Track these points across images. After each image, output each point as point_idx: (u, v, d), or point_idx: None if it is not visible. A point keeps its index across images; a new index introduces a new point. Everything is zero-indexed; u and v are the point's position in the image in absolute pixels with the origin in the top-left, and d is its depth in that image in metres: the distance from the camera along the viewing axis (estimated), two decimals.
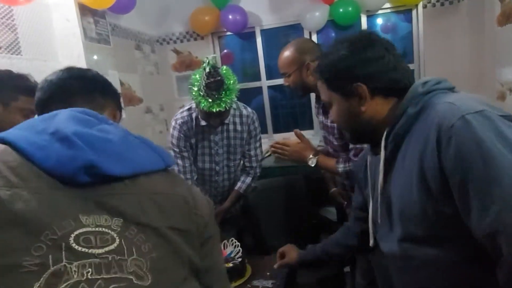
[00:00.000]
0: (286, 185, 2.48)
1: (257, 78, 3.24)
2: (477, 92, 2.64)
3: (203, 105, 1.63)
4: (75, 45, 2.10)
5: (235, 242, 1.60)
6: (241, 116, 1.93)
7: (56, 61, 2.09)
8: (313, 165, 1.49)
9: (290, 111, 3.38)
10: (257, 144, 2.03)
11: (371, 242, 0.96)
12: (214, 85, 1.61)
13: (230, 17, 2.90)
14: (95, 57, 2.19)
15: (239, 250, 1.56)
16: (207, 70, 1.60)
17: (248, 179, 2.03)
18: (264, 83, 3.22)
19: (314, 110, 1.77)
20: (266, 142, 3.15)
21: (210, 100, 1.62)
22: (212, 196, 2.04)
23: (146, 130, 2.94)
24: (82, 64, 2.11)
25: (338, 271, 2.22)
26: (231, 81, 1.68)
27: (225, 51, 3.29)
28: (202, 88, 1.62)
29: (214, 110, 1.63)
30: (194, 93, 1.66)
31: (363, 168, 1.00)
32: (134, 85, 2.78)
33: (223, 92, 1.63)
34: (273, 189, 2.45)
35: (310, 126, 3.23)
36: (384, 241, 0.89)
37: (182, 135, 1.87)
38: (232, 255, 1.54)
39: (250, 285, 1.45)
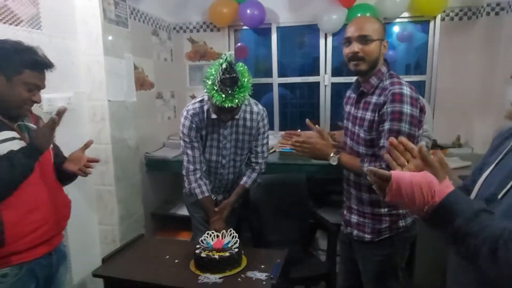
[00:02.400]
0: (288, 183, 2.52)
1: (269, 74, 3.26)
2: (485, 110, 2.68)
3: (216, 99, 1.67)
4: (94, 25, 2.13)
5: (233, 233, 1.64)
6: (251, 112, 1.96)
7: (74, 39, 2.12)
8: (334, 163, 1.47)
9: (298, 110, 3.41)
10: (265, 141, 2.07)
11: None
12: (229, 81, 1.64)
13: (248, 11, 2.92)
14: (112, 38, 2.22)
15: (237, 241, 1.61)
16: (224, 66, 1.64)
17: (254, 175, 2.07)
18: (276, 80, 3.25)
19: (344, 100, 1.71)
20: (272, 138, 3.18)
21: (223, 95, 1.66)
22: (216, 188, 2.08)
23: (155, 115, 2.98)
24: (99, 44, 2.14)
25: (329, 270, 2.25)
26: (246, 79, 1.71)
27: (239, 44, 3.31)
28: (216, 83, 1.65)
29: (226, 106, 1.67)
30: (208, 87, 1.69)
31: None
32: (147, 70, 2.81)
33: (237, 89, 1.67)
34: (275, 185, 2.49)
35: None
36: None
37: (193, 126, 1.91)
38: (230, 245, 1.59)
39: (244, 275, 1.49)
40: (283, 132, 1.51)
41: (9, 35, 1.35)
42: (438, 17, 2.83)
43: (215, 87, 1.66)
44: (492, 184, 0.84)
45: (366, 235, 1.56)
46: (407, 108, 1.36)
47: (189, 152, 1.94)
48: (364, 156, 1.48)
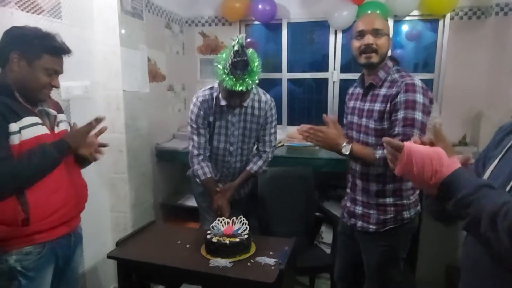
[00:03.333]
0: (295, 176, 2.57)
1: (278, 69, 3.30)
2: (492, 109, 2.70)
3: (226, 83, 1.72)
4: (111, 16, 2.19)
5: (243, 220, 1.69)
6: (259, 101, 2.01)
7: (91, 29, 2.18)
8: (347, 153, 1.49)
9: (306, 105, 3.45)
10: (272, 130, 2.11)
11: None
12: (241, 64, 1.69)
13: (260, 6, 2.96)
14: (128, 29, 2.27)
15: (246, 227, 1.66)
16: (236, 48, 1.68)
17: (260, 162, 2.11)
18: (285, 75, 3.29)
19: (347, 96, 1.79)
20: (280, 133, 3.22)
21: (234, 79, 1.71)
22: (224, 176, 2.14)
23: (166, 107, 3.03)
24: (115, 35, 2.20)
25: (333, 261, 2.30)
26: (255, 64, 1.76)
27: (248, 40, 3.36)
28: (227, 66, 1.70)
29: (236, 89, 1.72)
30: (219, 71, 1.74)
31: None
32: (160, 62, 2.87)
33: (247, 73, 1.72)
34: (282, 178, 2.54)
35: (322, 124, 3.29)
36: None
37: (201, 112, 1.96)
38: (239, 231, 1.64)
39: (254, 260, 1.54)
40: (298, 127, 1.54)
41: (31, 24, 1.39)
42: (448, 16, 2.85)
43: (226, 71, 1.71)
44: (498, 177, 0.88)
45: (371, 226, 1.60)
46: (420, 98, 1.42)
47: (195, 138, 2.01)
48: (375, 145, 1.52)
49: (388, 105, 1.47)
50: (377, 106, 1.51)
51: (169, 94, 3.07)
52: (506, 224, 0.72)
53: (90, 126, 1.41)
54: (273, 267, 1.48)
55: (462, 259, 0.98)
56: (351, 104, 1.70)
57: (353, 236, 1.71)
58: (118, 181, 2.36)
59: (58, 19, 1.93)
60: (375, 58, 1.50)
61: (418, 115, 1.42)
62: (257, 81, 1.80)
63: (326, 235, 2.76)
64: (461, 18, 2.83)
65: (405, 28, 3.08)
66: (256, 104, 2.01)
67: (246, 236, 1.61)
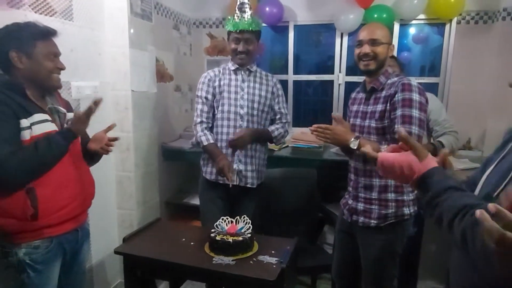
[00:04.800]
0: (299, 176, 2.60)
1: (284, 71, 3.33)
2: (497, 114, 2.70)
3: (234, 25, 2.00)
4: (121, 18, 2.24)
5: (247, 219, 1.73)
6: (266, 75, 2.21)
7: (102, 31, 2.23)
8: (355, 147, 1.54)
9: (311, 107, 3.47)
10: (284, 104, 2.24)
11: None
12: (245, 6, 2.03)
13: (267, 9, 2.99)
14: (137, 31, 2.32)
15: (250, 227, 1.70)
16: None
17: (279, 125, 2.20)
18: (291, 77, 3.32)
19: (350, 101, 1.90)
20: None
21: (237, 20, 2.01)
22: (237, 152, 2.11)
23: (173, 107, 3.08)
24: (124, 36, 2.25)
25: None
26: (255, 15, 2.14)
27: None
28: (234, 15, 2.03)
29: (244, 28, 1.99)
30: (227, 25, 2.04)
31: None
32: (168, 63, 2.92)
33: (250, 17, 2.02)
34: (286, 178, 2.57)
35: (329, 124, 3.31)
36: None
37: (207, 80, 2.13)
38: (243, 230, 1.68)
39: (256, 259, 1.57)
40: (311, 127, 1.61)
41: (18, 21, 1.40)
42: (454, 20, 2.86)
43: (233, 17, 2.03)
44: (491, 182, 0.93)
45: (372, 221, 1.67)
46: (416, 96, 1.53)
47: (199, 106, 2.13)
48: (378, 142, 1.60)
49: (388, 105, 1.58)
50: (379, 107, 1.62)
51: (176, 94, 3.12)
52: (461, 228, 0.76)
53: (90, 110, 1.43)
54: (274, 266, 1.51)
55: (452, 256, 1.03)
56: (354, 108, 1.79)
57: (352, 233, 1.78)
58: (125, 179, 2.41)
59: (69, 20, 1.98)
60: (372, 65, 1.62)
61: (415, 112, 1.51)
62: (260, 28, 2.07)
63: (329, 236, 2.79)
64: (468, 22, 2.83)
65: (411, 31, 3.09)
66: (264, 76, 2.19)
67: (249, 235, 1.65)
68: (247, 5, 2.04)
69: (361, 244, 1.75)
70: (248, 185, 2.14)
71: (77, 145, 1.58)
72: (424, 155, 0.93)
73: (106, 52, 2.26)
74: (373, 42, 1.60)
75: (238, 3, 2.04)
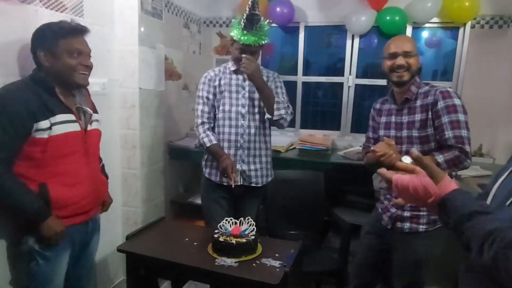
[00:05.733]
0: (305, 179, 2.57)
1: (293, 72, 3.31)
2: (509, 122, 2.63)
3: (242, 38, 1.92)
4: (131, 15, 2.23)
5: (251, 221, 1.70)
6: (267, 72, 2.18)
7: (112, 28, 2.23)
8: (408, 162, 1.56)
9: (320, 110, 3.43)
10: (284, 96, 2.17)
11: None
12: (255, 18, 1.90)
13: (278, 9, 2.97)
14: (147, 29, 2.32)
15: (254, 229, 1.67)
16: (250, 3, 1.88)
17: (282, 109, 2.10)
18: (300, 78, 3.29)
19: (373, 112, 1.92)
20: (292, 136, 3.24)
21: (248, 33, 1.92)
22: (239, 149, 2.09)
23: (180, 106, 3.08)
24: (134, 34, 2.25)
25: (340, 267, 2.30)
26: (265, 21, 2.00)
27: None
28: (242, 22, 1.90)
29: (251, 43, 1.93)
30: (234, 31, 1.96)
31: None
32: (177, 61, 2.91)
33: (259, 28, 1.93)
34: (292, 180, 2.55)
35: (337, 127, 3.28)
36: None
37: (207, 80, 2.11)
38: (246, 232, 1.65)
39: (259, 261, 1.55)
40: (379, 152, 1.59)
41: (55, 21, 1.47)
42: (468, 24, 2.80)
43: (240, 27, 1.92)
44: (504, 191, 0.90)
45: (421, 226, 1.68)
46: (457, 101, 1.60)
47: (200, 107, 2.10)
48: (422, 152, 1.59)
49: (430, 113, 1.62)
50: (417, 116, 1.65)
51: (184, 93, 3.11)
52: (492, 252, 0.73)
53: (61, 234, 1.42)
54: (278, 269, 1.49)
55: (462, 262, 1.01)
56: (383, 119, 1.81)
57: (383, 237, 1.79)
58: (130, 177, 2.40)
59: (80, 17, 1.98)
60: (406, 76, 1.66)
61: (461, 117, 1.58)
62: (266, 40, 1.99)
63: (334, 240, 2.75)
64: (482, 26, 2.78)
65: (424, 34, 3.04)
66: (265, 72, 2.16)
67: (253, 237, 1.62)
68: (257, 18, 1.92)
69: (400, 248, 1.74)
70: (253, 184, 2.12)
71: (95, 145, 1.62)
72: (439, 176, 0.88)
73: (115, 49, 2.26)
74: (406, 54, 1.64)
75: (248, 12, 1.90)
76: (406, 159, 1.50)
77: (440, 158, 1.56)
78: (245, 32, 1.92)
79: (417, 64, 1.68)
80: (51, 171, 1.40)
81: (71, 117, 1.44)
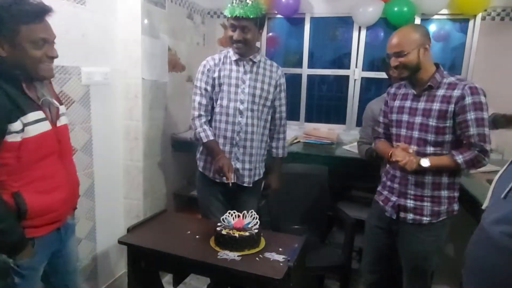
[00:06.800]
0: (309, 173, 2.53)
1: (299, 65, 3.25)
2: None
3: (230, 10, 1.84)
4: (134, 4, 2.20)
5: (254, 215, 1.67)
6: (272, 65, 2.07)
7: (114, 16, 2.19)
8: (426, 165, 1.59)
9: (325, 103, 3.39)
10: (285, 107, 2.15)
11: None
12: None
13: (283, 0, 2.91)
14: (150, 18, 2.28)
15: (257, 222, 1.64)
16: None
17: (281, 143, 2.17)
18: (305, 71, 3.24)
19: (388, 96, 1.87)
20: (297, 129, 3.19)
21: (235, 5, 1.84)
22: (235, 146, 2.02)
23: (185, 97, 3.03)
24: (137, 23, 2.21)
25: (344, 262, 2.27)
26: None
27: (270, 34, 3.32)
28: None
29: (239, 14, 1.82)
30: (226, 10, 1.87)
31: None
32: (180, 53, 2.87)
33: (250, 2, 1.84)
34: (297, 174, 2.51)
35: (343, 121, 3.23)
36: None
37: (206, 70, 2.00)
38: (250, 226, 1.62)
39: (262, 256, 1.53)
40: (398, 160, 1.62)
41: (55, 8, 1.27)
42: (479, 16, 2.74)
43: (230, 4, 1.86)
44: (502, 183, 0.97)
45: (425, 218, 1.68)
46: (483, 99, 1.58)
47: (197, 98, 2.00)
48: (434, 142, 1.62)
49: (452, 106, 1.59)
50: (436, 105, 1.62)
51: (188, 84, 3.07)
52: None
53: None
54: (281, 264, 1.46)
55: (468, 257, 1.05)
56: (397, 103, 1.77)
57: (390, 229, 1.79)
58: (132, 169, 2.38)
59: (82, 4, 1.95)
60: (405, 73, 1.66)
61: (486, 115, 1.59)
62: (258, 15, 1.87)
63: (338, 235, 2.72)
64: (493, 18, 2.71)
65: (432, 27, 2.98)
66: (268, 67, 2.05)
67: (256, 231, 1.60)
68: None
69: (406, 240, 1.75)
70: (245, 184, 2.05)
71: (67, 144, 1.45)
72: None
73: (118, 38, 2.23)
74: (398, 54, 1.63)
75: None
76: (425, 163, 1.58)
77: (459, 158, 1.57)
78: (235, 6, 1.84)
79: (415, 58, 1.62)
80: (25, 177, 1.23)
81: (41, 114, 1.25)
